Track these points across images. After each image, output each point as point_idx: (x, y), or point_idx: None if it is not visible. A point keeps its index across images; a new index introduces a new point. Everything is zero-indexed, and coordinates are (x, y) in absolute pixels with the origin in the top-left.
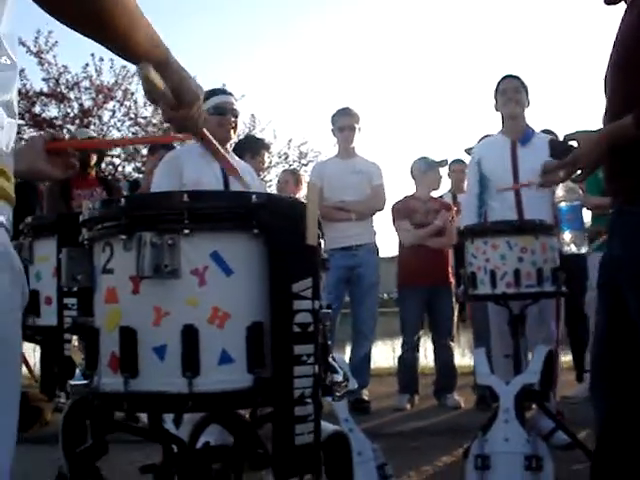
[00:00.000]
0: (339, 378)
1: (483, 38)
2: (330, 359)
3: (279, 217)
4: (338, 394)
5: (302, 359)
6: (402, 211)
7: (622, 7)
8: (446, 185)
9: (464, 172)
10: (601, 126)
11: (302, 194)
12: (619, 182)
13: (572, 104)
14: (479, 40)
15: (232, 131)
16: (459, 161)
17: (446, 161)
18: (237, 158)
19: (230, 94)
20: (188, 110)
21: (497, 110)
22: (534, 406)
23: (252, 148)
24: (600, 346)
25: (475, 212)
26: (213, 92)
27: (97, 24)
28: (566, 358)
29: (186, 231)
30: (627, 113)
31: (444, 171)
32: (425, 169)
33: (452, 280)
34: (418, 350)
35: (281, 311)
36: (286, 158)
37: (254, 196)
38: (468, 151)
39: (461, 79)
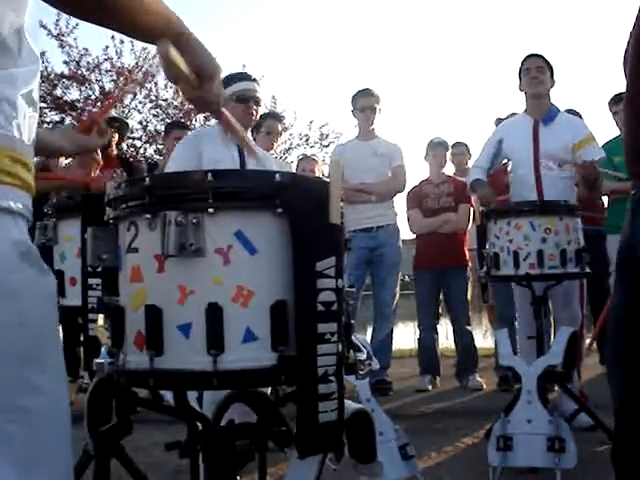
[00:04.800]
0: (363, 356)
1: (508, 15)
2: (354, 338)
3: (302, 196)
4: (362, 372)
5: (326, 337)
6: (413, 199)
7: None
8: (450, 168)
9: (466, 154)
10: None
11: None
12: None
13: (598, 84)
14: (504, 18)
15: (254, 117)
16: (461, 144)
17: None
18: (254, 144)
19: (254, 80)
20: (209, 86)
21: (521, 90)
22: (557, 387)
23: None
24: (618, 327)
25: (482, 173)
26: (235, 77)
27: (99, 10)
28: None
29: (210, 210)
30: None
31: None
32: (428, 150)
33: (468, 262)
34: (436, 331)
35: (305, 290)
36: (307, 140)
37: (278, 175)
38: (498, 122)
39: (485, 58)
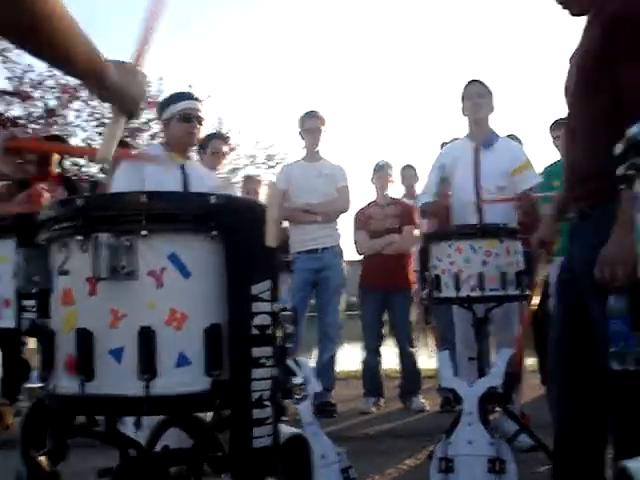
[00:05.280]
0: (298, 381)
1: (452, 42)
2: (290, 362)
3: (238, 219)
4: (297, 397)
5: (260, 361)
6: (359, 220)
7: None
8: (400, 191)
9: (414, 177)
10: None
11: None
12: (582, 187)
13: (539, 109)
14: (448, 45)
15: (196, 137)
16: (410, 167)
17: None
18: (197, 164)
19: (197, 99)
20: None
21: (463, 114)
22: (498, 409)
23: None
24: (558, 348)
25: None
26: (179, 97)
27: (28, 36)
28: (531, 361)
29: (144, 232)
30: (593, 110)
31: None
32: (374, 172)
33: (413, 283)
34: (380, 353)
35: (239, 313)
36: (253, 160)
37: (213, 197)
38: (443, 146)
39: (432, 83)
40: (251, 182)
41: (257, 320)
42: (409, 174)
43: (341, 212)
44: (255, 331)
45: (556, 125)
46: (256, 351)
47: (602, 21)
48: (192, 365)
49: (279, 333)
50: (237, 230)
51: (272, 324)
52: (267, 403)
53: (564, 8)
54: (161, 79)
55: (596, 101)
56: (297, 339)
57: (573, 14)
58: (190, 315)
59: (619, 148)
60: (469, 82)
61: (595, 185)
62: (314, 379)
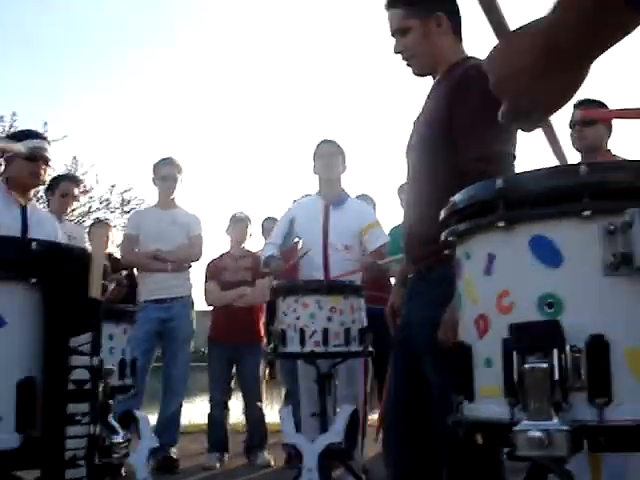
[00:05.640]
0: (119, 439)
1: (312, 102)
2: (110, 419)
3: (60, 267)
4: (116, 456)
5: (76, 418)
6: (212, 271)
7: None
8: (260, 243)
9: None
10: (402, 194)
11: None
12: (419, 249)
13: (390, 171)
14: (307, 104)
15: (42, 178)
16: (271, 219)
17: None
18: (39, 208)
19: (44, 138)
20: None
21: (315, 173)
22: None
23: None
24: (394, 407)
25: (275, 249)
26: (26, 134)
27: None
28: (375, 417)
29: None
30: (431, 176)
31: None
32: (230, 223)
33: (263, 337)
34: (227, 407)
35: (55, 366)
36: (108, 204)
37: (34, 243)
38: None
39: (288, 140)
40: (99, 226)
41: (75, 374)
42: (270, 226)
43: (192, 261)
44: (72, 386)
45: (402, 187)
46: (72, 407)
47: (445, 89)
48: (2, 421)
49: (100, 388)
50: (58, 279)
51: (91, 379)
52: (81, 462)
53: (407, 66)
54: (14, 115)
55: (433, 167)
56: (139, 391)
57: (415, 74)
58: (3, 367)
59: (442, 214)
60: (321, 141)
61: (431, 247)
62: (150, 434)
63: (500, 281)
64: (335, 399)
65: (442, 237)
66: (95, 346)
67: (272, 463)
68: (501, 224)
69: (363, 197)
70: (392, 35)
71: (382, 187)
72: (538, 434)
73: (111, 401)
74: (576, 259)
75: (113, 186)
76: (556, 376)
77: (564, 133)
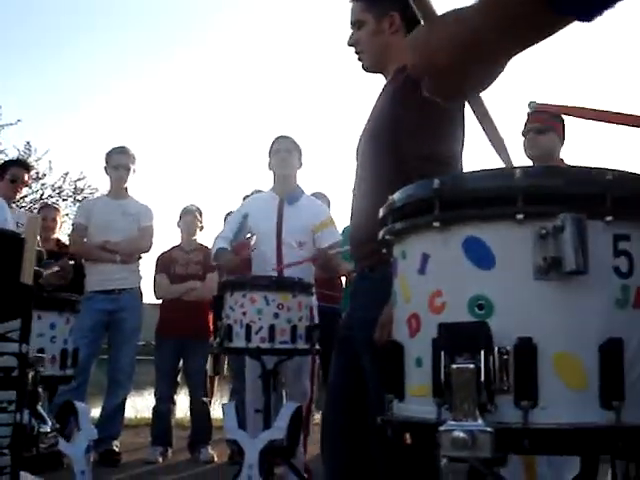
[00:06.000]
0: (47, 428)
1: (269, 98)
2: (39, 408)
3: None
4: (43, 446)
5: (2, 406)
6: (162, 263)
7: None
8: None
9: None
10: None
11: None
12: (363, 248)
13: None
14: (258, 98)
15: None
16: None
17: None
18: None
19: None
20: None
21: (270, 169)
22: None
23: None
24: (334, 405)
25: (226, 243)
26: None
27: None
28: (319, 415)
29: None
30: (377, 175)
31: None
32: (181, 216)
33: (211, 332)
34: (173, 402)
35: None
36: (60, 192)
37: None
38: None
39: (242, 135)
40: (48, 210)
41: (2, 361)
42: None
43: (141, 252)
44: None
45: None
46: None
47: (392, 90)
48: None
49: (30, 376)
50: None
51: (20, 366)
52: (6, 451)
53: (358, 60)
54: None
55: (378, 166)
56: (82, 383)
57: (364, 69)
58: None
59: (381, 212)
60: (277, 137)
61: (374, 246)
62: (89, 425)
63: (433, 281)
64: (281, 396)
65: (379, 236)
66: (25, 333)
67: (215, 459)
68: (436, 224)
69: (318, 195)
70: (350, 27)
71: (338, 186)
72: (462, 435)
73: (41, 389)
74: (508, 262)
75: (66, 174)
76: (482, 377)
77: (517, 141)
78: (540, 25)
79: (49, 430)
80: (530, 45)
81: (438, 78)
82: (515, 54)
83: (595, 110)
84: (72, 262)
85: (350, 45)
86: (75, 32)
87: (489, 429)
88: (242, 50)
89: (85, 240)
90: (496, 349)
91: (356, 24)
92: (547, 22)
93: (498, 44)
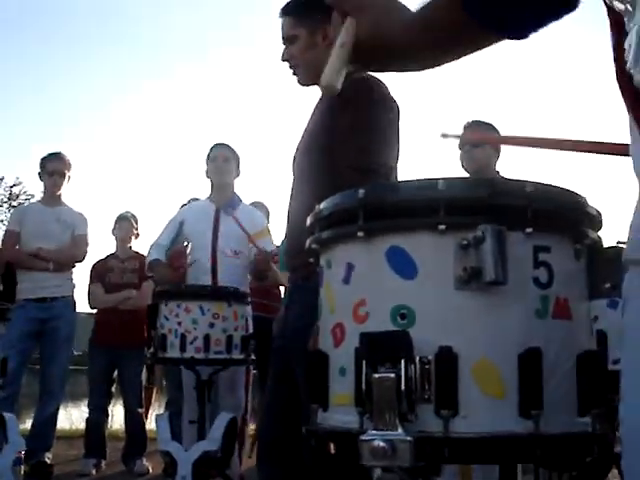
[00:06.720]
0: None
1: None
2: None
3: None
4: None
5: None
6: (97, 272)
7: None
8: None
9: None
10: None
11: None
12: (297, 258)
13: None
14: (196, 106)
15: None
16: None
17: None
18: None
19: None
20: None
21: (207, 177)
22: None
23: None
24: (268, 416)
25: (161, 252)
26: None
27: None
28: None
29: None
30: (312, 184)
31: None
32: (115, 223)
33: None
34: (107, 412)
35: None
36: None
37: None
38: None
39: (178, 140)
40: None
41: None
42: None
43: (76, 261)
44: None
45: None
46: None
47: (328, 102)
48: None
49: None
50: None
51: None
52: None
53: (293, 74)
54: None
55: (313, 176)
56: (13, 393)
57: (300, 83)
58: None
59: (308, 221)
60: (215, 145)
61: (306, 257)
62: (18, 437)
63: (357, 291)
64: (216, 406)
65: (306, 244)
66: None
67: (150, 471)
68: (361, 234)
69: (257, 204)
70: (283, 43)
71: (279, 196)
72: (382, 444)
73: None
74: (430, 272)
75: (1, 179)
76: (403, 386)
77: (454, 154)
78: (458, 32)
79: None
80: (451, 55)
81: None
82: (437, 63)
83: (530, 138)
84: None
85: (284, 60)
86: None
87: (409, 438)
88: (175, 52)
89: (17, 247)
90: (417, 358)
91: (289, 39)
92: (467, 31)
93: (418, 46)
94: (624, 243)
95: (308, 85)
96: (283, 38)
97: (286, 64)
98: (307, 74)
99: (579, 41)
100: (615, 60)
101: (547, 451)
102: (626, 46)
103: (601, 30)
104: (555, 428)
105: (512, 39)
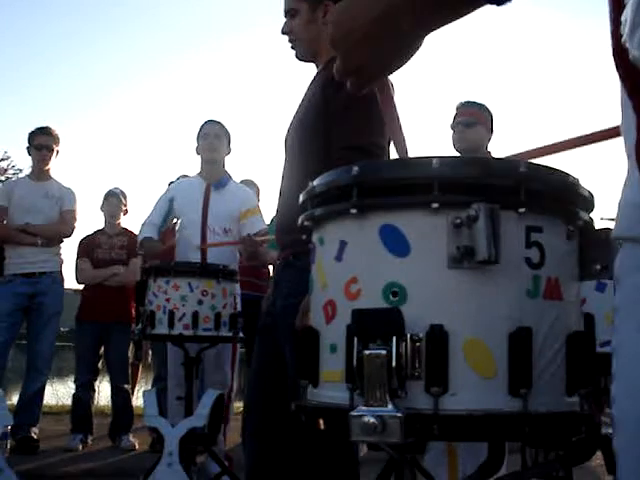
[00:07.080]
0: None
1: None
2: None
3: None
4: None
5: None
6: (84, 248)
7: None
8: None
9: None
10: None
11: None
12: (287, 236)
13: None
14: (188, 83)
15: None
16: None
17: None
18: None
19: None
20: None
21: (197, 153)
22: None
23: None
24: (254, 393)
25: (154, 231)
26: None
27: None
28: (239, 404)
29: None
30: (303, 162)
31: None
32: (104, 199)
33: (133, 318)
34: (93, 388)
35: None
36: None
37: None
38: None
39: (168, 117)
40: None
41: None
42: None
43: (63, 236)
44: None
45: None
46: None
47: (322, 80)
48: None
49: None
50: None
51: None
52: None
53: (292, 48)
54: None
55: (305, 155)
56: (2, 367)
57: (297, 58)
58: None
59: (301, 198)
60: (206, 122)
61: (297, 235)
62: (5, 412)
63: (349, 268)
64: (203, 383)
65: (299, 221)
66: None
67: (137, 446)
68: (354, 211)
69: (247, 182)
70: (284, 16)
71: (269, 175)
72: (372, 420)
73: None
74: (423, 250)
75: None
76: (394, 363)
77: (447, 134)
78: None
79: None
80: (447, 22)
81: (353, 49)
82: (431, 31)
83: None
84: None
85: (283, 33)
86: None
87: (399, 414)
88: (173, 32)
89: (5, 222)
90: (408, 336)
91: (290, 13)
92: None
93: (415, 21)
94: (609, 219)
95: (305, 60)
96: (285, 11)
97: (285, 38)
98: (304, 49)
99: (577, 34)
100: (612, 34)
101: (535, 429)
102: (622, 20)
103: (600, 25)
104: (544, 407)
105: (493, 3)
